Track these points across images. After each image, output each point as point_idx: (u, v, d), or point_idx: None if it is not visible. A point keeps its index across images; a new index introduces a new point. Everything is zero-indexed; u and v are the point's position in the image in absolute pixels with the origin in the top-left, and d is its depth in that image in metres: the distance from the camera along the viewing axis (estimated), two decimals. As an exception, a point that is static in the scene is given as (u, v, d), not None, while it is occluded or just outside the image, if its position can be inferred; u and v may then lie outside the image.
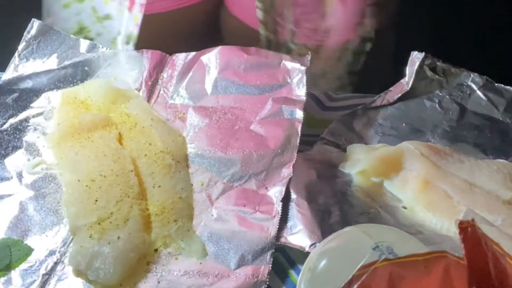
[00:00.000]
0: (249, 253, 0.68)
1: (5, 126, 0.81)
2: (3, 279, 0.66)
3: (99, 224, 0.69)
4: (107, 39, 0.98)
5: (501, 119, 0.87)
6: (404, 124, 0.86)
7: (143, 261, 0.68)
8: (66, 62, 0.88)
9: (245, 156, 0.78)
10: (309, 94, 0.83)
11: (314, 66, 0.88)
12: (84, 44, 0.90)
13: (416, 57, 0.90)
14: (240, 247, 0.69)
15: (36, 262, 0.68)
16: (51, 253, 0.69)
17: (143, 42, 0.96)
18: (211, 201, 0.74)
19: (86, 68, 0.88)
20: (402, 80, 0.90)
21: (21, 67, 0.87)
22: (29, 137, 0.81)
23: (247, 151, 0.78)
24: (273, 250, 0.69)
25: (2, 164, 0.77)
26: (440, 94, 0.89)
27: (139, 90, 0.87)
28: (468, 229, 0.50)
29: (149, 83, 0.87)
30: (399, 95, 0.89)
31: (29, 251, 0.69)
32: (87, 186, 0.72)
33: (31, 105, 0.84)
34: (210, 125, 0.82)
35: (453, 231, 0.51)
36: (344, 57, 1.03)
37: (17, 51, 0.89)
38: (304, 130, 0.79)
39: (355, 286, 0.50)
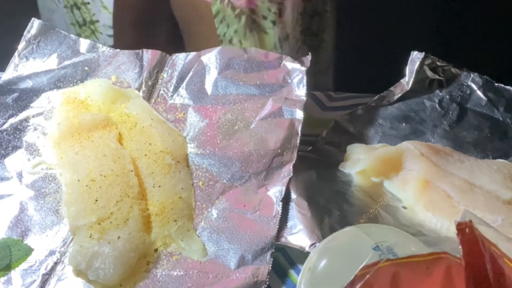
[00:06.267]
0: (249, 253, 0.68)
1: (5, 126, 0.81)
2: (3, 279, 0.66)
3: (99, 224, 0.69)
4: None
5: (501, 119, 0.87)
6: (404, 124, 0.86)
7: (143, 261, 0.68)
8: (66, 62, 0.89)
9: (245, 156, 0.78)
10: (309, 94, 0.82)
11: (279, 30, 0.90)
12: (84, 44, 0.90)
13: (416, 57, 0.90)
14: (240, 247, 0.69)
15: (36, 262, 0.68)
16: (51, 253, 0.69)
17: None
18: (211, 201, 0.74)
19: (86, 68, 0.88)
20: (402, 80, 0.90)
21: (21, 67, 0.87)
22: (29, 137, 0.81)
23: (247, 151, 0.78)
24: (273, 250, 0.69)
25: (2, 164, 0.77)
26: (440, 94, 0.89)
27: (139, 90, 0.87)
28: (465, 230, 0.50)
29: (149, 83, 0.87)
30: (399, 95, 0.89)
31: (29, 251, 0.69)
32: (87, 186, 0.72)
33: (31, 105, 0.84)
34: (210, 125, 0.82)
35: (453, 231, 0.51)
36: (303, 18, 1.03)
37: (17, 51, 0.89)
38: (304, 130, 0.79)
39: (358, 286, 0.50)
